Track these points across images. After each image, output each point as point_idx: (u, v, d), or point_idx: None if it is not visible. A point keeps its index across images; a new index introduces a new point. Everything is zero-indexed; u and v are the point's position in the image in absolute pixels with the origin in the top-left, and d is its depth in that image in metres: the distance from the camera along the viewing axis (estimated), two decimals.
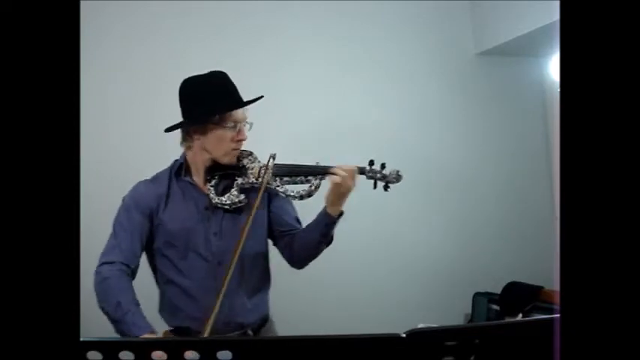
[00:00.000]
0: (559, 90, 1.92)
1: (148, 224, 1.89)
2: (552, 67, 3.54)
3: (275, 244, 2.02)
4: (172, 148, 2.86)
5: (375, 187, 1.87)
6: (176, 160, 1.99)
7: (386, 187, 1.87)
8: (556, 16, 1.00)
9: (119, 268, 1.81)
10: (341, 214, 1.88)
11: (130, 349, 0.89)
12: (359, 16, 3.24)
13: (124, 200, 1.94)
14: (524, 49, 3.38)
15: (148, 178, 1.99)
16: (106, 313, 1.78)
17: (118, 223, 1.90)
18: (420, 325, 1.06)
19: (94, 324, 2.28)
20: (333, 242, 1.95)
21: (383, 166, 1.86)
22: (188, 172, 1.96)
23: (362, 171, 1.87)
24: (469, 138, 3.45)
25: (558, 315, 0.91)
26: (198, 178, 1.94)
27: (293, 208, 2.01)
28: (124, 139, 2.82)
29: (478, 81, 3.51)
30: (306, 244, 1.93)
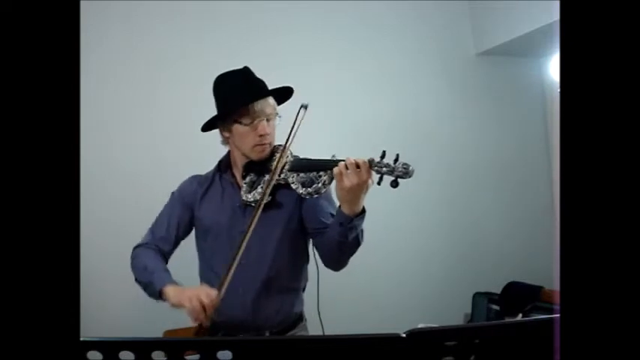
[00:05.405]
0: (559, 90, 1.91)
1: (188, 215, 1.95)
2: (552, 67, 3.55)
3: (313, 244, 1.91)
4: (172, 147, 2.89)
5: (379, 182, 1.60)
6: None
7: (394, 183, 1.58)
8: (556, 16, 1.00)
9: (148, 247, 1.92)
10: (360, 213, 1.70)
11: (130, 349, 0.89)
12: (359, 16, 3.24)
13: (173, 193, 2.01)
14: (524, 49, 3.38)
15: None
16: (139, 282, 1.86)
17: (160, 212, 1.98)
18: (420, 325, 1.06)
19: (94, 324, 2.30)
20: None
21: (397, 158, 1.59)
22: (230, 168, 1.96)
23: (370, 164, 1.62)
24: (469, 138, 3.45)
25: (558, 315, 0.91)
26: (238, 174, 1.93)
27: (330, 203, 1.84)
28: (123, 140, 2.82)
29: (478, 81, 3.51)
30: (328, 245, 1.79)
